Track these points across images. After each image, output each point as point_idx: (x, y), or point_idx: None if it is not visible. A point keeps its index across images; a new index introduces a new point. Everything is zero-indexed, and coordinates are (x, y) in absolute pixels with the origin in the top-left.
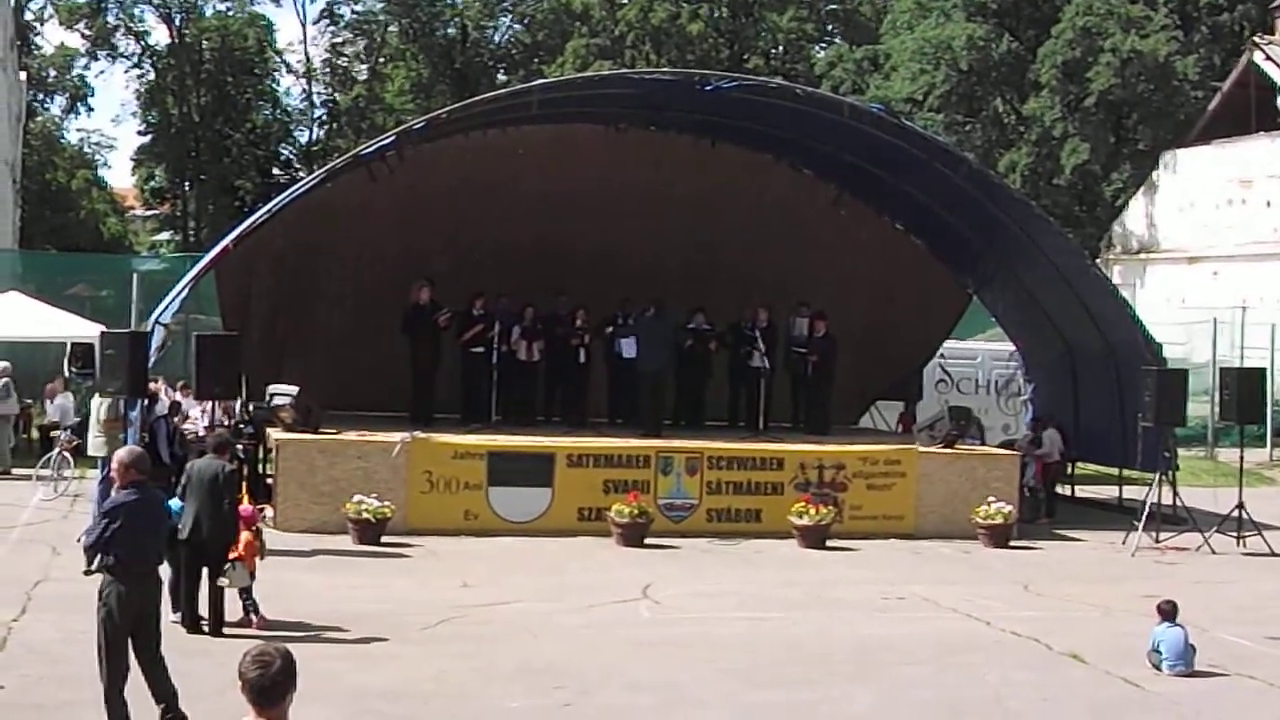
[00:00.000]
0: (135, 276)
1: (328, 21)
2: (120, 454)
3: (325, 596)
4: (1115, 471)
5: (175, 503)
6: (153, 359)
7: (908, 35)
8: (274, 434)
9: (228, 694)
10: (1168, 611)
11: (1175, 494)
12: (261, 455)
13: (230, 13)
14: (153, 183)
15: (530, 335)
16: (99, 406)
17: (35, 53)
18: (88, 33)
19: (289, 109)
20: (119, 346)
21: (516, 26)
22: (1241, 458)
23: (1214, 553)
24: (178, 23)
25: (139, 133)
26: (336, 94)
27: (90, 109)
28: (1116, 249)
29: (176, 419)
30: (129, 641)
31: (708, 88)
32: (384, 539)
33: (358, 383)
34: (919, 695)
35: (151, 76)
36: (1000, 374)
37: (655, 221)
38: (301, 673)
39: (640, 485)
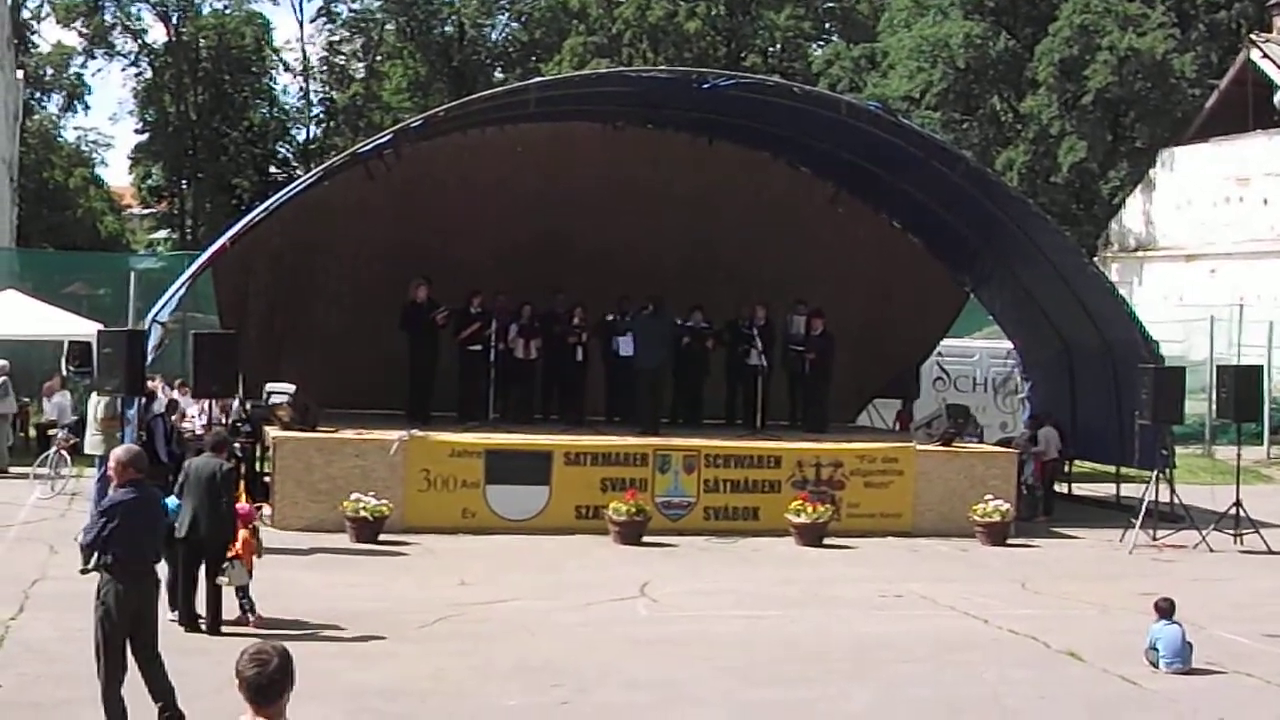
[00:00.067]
0: (133, 275)
1: (325, 19)
2: (117, 452)
3: (323, 595)
4: (1113, 469)
5: (172, 501)
6: (150, 357)
7: (905, 33)
8: (271, 432)
9: (225, 692)
10: (1165, 609)
11: (1173, 492)
12: (259, 453)
13: (227, 11)
14: (150, 181)
15: (528, 333)
16: (96, 405)
17: (32, 51)
18: (85, 31)
19: (286, 107)
20: (116, 345)
21: (514, 24)
22: (1239, 455)
23: (1211, 550)
24: (175, 21)
25: (136, 131)
26: (334, 92)
27: (87, 107)
28: (1114, 247)
29: (174, 417)
30: (127, 640)
31: (705, 86)
32: (381, 537)
33: (355, 381)
34: (917, 693)
35: (149, 75)
36: (998, 372)
37: (653, 219)
38: (299, 671)
39: (638, 483)
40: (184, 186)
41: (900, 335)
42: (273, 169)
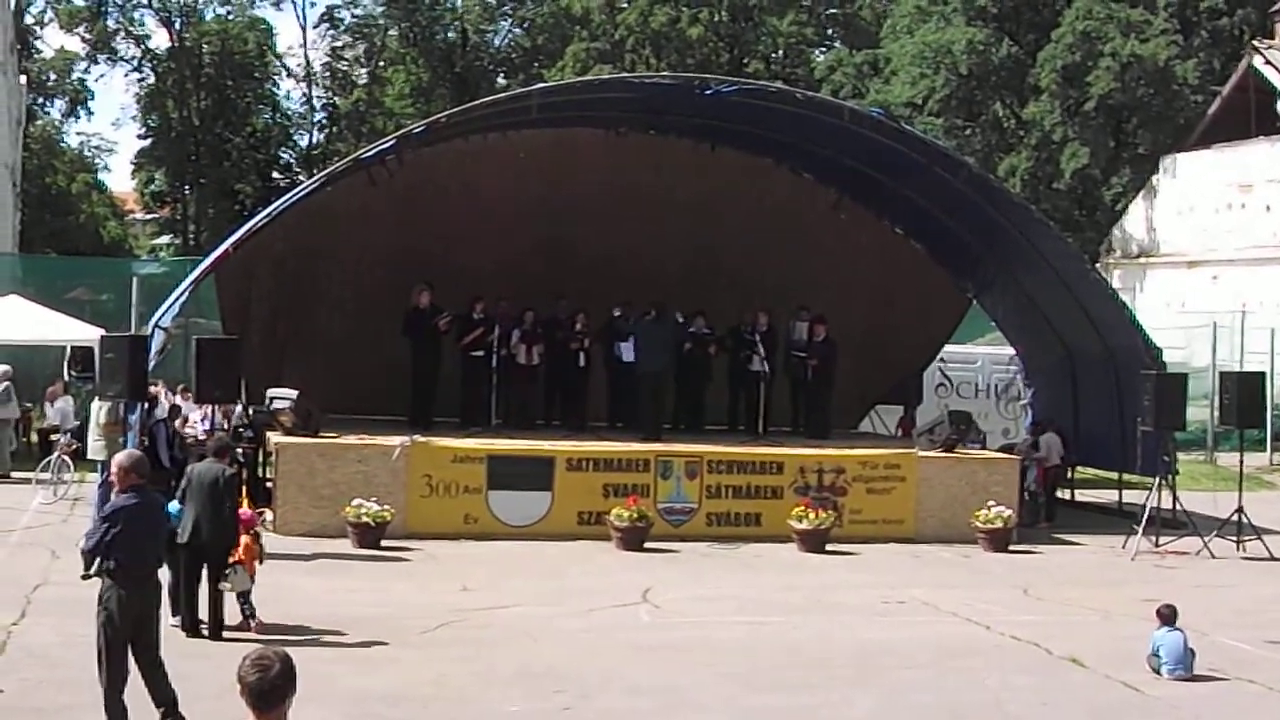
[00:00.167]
0: (135, 280)
1: (328, 25)
2: (119, 458)
3: (324, 600)
4: (1115, 476)
5: (174, 506)
6: (152, 362)
7: (908, 39)
8: (274, 437)
9: (227, 698)
10: (1167, 616)
11: (1175, 498)
12: (261, 459)
13: (230, 16)
14: (152, 186)
15: (530, 339)
16: (99, 410)
17: (35, 56)
18: (88, 36)
19: (289, 113)
20: (119, 350)
21: (516, 30)
22: (1241, 462)
23: (1214, 557)
24: (178, 26)
25: (139, 136)
26: (336, 98)
27: (90, 113)
28: (1116, 253)
29: (176, 422)
30: (129, 645)
31: (708, 92)
32: (383, 543)
33: (357, 386)
34: (919, 699)
35: (151, 80)
36: (1000, 378)
37: (655, 225)
38: (301, 676)
39: (640, 489)
40: (186, 192)
41: (902, 341)
42: (275, 175)
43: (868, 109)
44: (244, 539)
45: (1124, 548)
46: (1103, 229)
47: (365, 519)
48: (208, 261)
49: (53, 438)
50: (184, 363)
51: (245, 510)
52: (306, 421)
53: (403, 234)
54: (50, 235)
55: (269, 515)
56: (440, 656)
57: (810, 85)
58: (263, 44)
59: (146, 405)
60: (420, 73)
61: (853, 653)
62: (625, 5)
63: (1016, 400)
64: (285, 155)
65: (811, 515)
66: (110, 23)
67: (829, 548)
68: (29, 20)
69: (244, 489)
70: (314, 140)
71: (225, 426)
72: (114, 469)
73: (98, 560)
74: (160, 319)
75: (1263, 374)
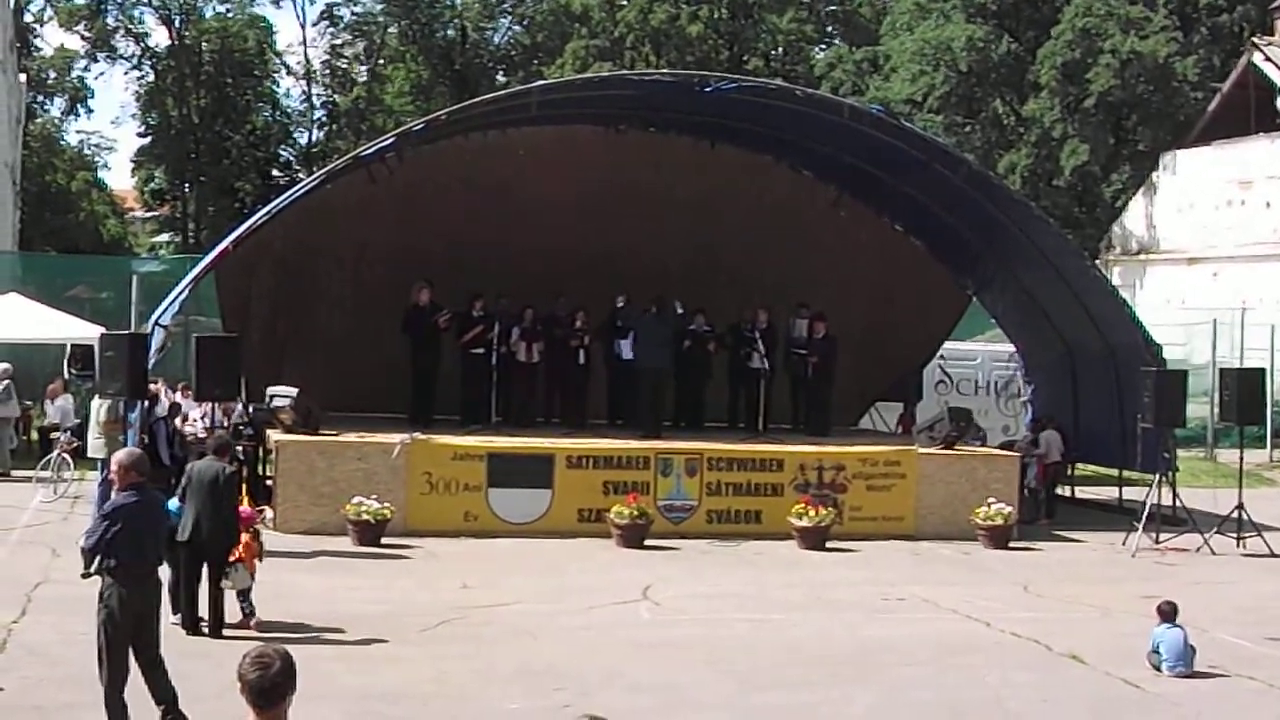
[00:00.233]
0: (135, 278)
1: (327, 23)
2: (119, 456)
3: (325, 598)
4: (1115, 472)
5: (173, 503)
6: (152, 360)
7: (907, 36)
8: (274, 435)
9: (227, 696)
10: (1168, 612)
11: (1175, 495)
12: (261, 457)
13: (230, 14)
14: (152, 184)
15: (530, 337)
16: (99, 408)
17: (35, 54)
18: (87, 34)
19: (289, 111)
20: (119, 348)
21: (516, 28)
22: (1241, 459)
23: (1214, 554)
24: (177, 24)
25: (139, 134)
26: (336, 95)
27: (90, 111)
28: (1116, 250)
29: (177, 420)
30: (129, 643)
31: (707, 89)
32: (384, 540)
33: (357, 384)
34: (919, 696)
35: (151, 78)
36: (1000, 375)
37: (655, 223)
38: (301, 674)
39: (640, 486)
40: (186, 190)
41: (902, 338)
42: (275, 172)
43: (867, 106)
44: (244, 537)
45: (1124, 544)
46: (1103, 226)
47: (365, 516)
48: (207, 259)
49: (53, 436)
50: (184, 360)
51: (245, 508)
52: (306, 419)
53: (403, 231)
54: (50, 233)
55: (269, 513)
56: (440, 654)
57: (810, 82)
58: (262, 42)
59: (147, 403)
60: (420, 70)
61: (853, 650)
62: (625, 3)
63: (1016, 397)
64: (285, 153)
65: (812, 512)
66: (110, 20)
67: (829, 545)
68: (28, 18)
69: (244, 487)
70: (314, 138)
71: (225, 424)
72: (113, 467)
73: (98, 558)
74: (160, 317)
75: (1263, 370)
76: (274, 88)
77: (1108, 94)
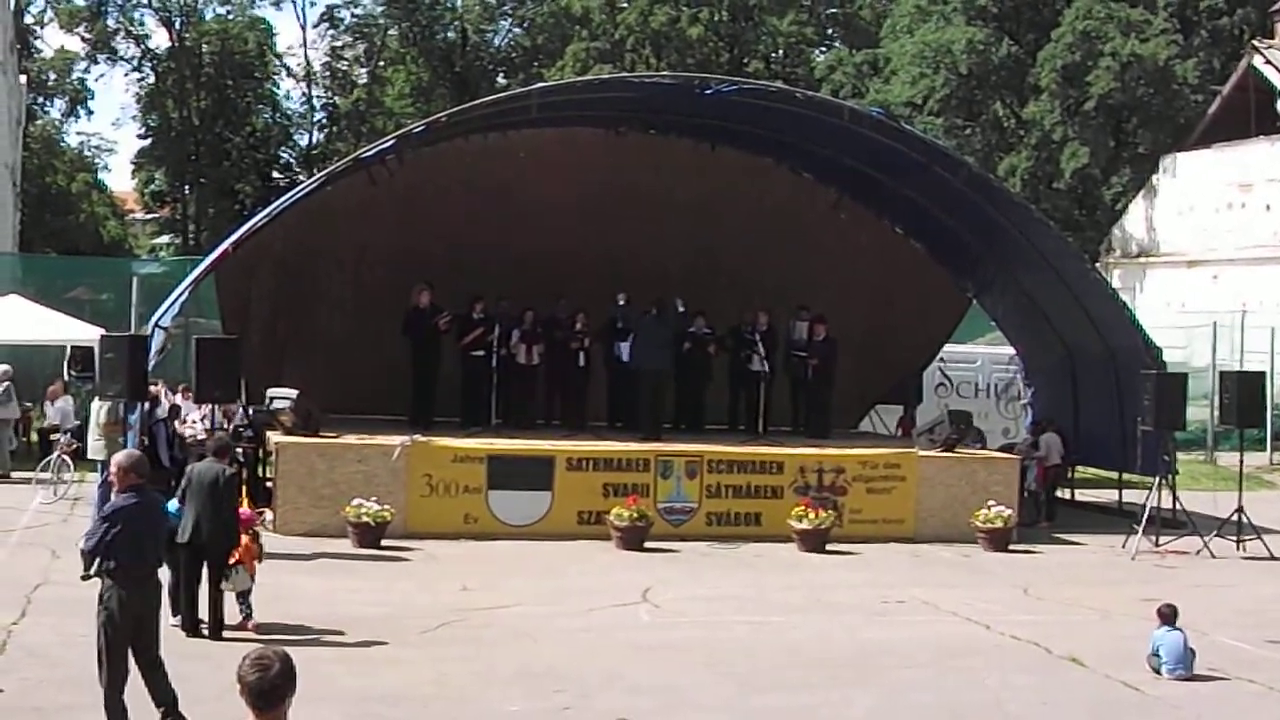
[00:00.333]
0: (135, 280)
1: (328, 25)
2: (119, 458)
3: (325, 600)
4: (1115, 475)
5: (173, 505)
6: (152, 362)
7: (907, 39)
8: (274, 437)
9: (227, 697)
10: (1167, 615)
11: (1175, 498)
12: (261, 459)
13: (230, 16)
14: (152, 186)
15: (530, 339)
16: (99, 410)
17: (35, 56)
18: (88, 36)
19: (289, 112)
20: (119, 350)
21: (516, 30)
22: (1241, 461)
23: (1214, 556)
24: (178, 26)
25: (139, 136)
26: (336, 97)
27: (90, 112)
28: (1116, 253)
29: (177, 423)
30: (129, 645)
31: (708, 91)
32: (384, 542)
33: (358, 386)
34: (919, 699)
35: (151, 80)
36: (1000, 378)
37: (655, 225)
38: (301, 676)
39: (640, 489)
40: (186, 192)
41: (902, 341)
42: (275, 174)
43: (868, 109)
44: (244, 539)
45: (1124, 547)
46: (1103, 228)
47: (365, 519)
48: (208, 261)
49: (53, 437)
50: (184, 362)
51: (245, 510)
52: (306, 421)
53: (403, 233)
54: (50, 235)
55: (269, 515)
56: (440, 656)
57: (810, 85)
58: (263, 44)
59: (147, 405)
60: (420, 72)
61: (853, 652)
62: (625, 5)
63: (1016, 400)
64: (285, 155)
65: (811, 515)
66: (110, 22)
67: (829, 547)
68: (29, 20)
69: (244, 489)
70: (314, 140)
71: (225, 426)
72: (113, 469)
73: (98, 560)
74: (160, 319)
75: (1262, 373)
76: (274, 90)
77: (1108, 97)
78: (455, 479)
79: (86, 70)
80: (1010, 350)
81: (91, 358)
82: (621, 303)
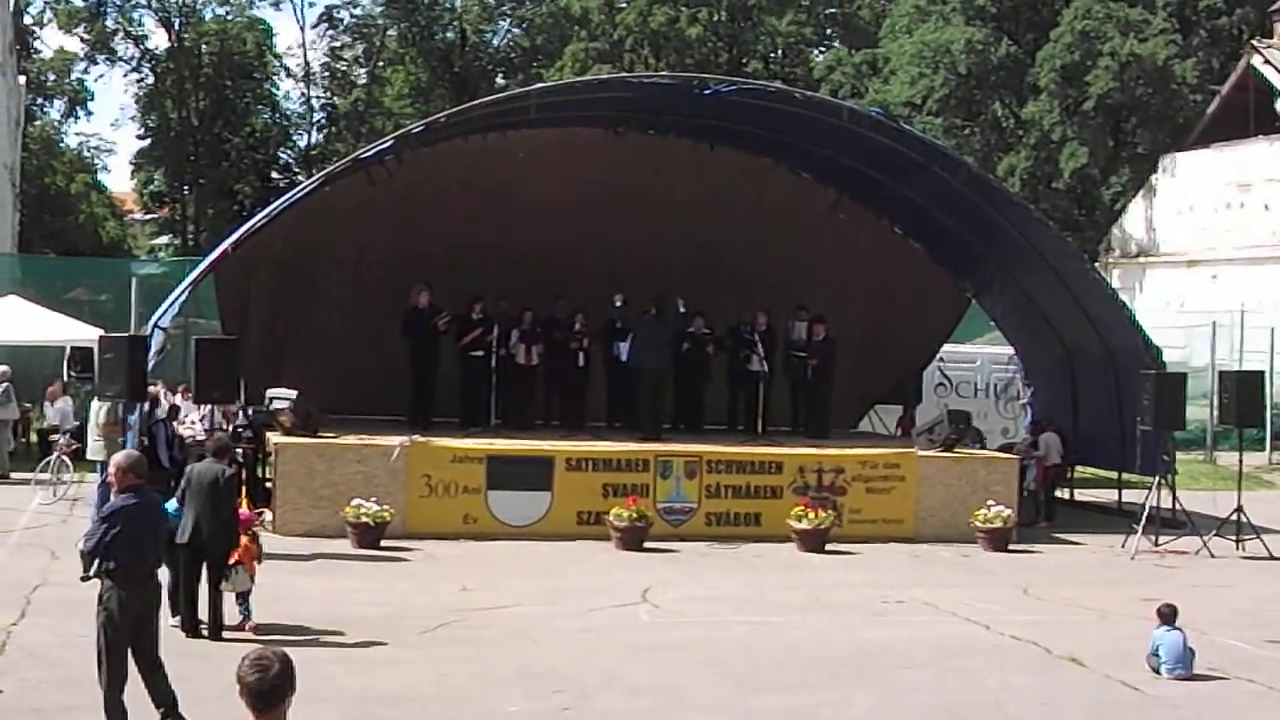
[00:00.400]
0: (134, 280)
1: (327, 25)
2: (117, 458)
3: (324, 600)
4: (1114, 475)
5: (172, 505)
6: (152, 363)
7: (906, 39)
8: (273, 438)
9: (226, 698)
10: (1167, 615)
11: (1174, 498)
12: (260, 459)
13: (229, 17)
14: (152, 187)
15: (529, 339)
16: (98, 410)
17: (34, 57)
18: (87, 36)
19: (288, 113)
20: (118, 350)
21: (515, 30)
22: (1240, 461)
23: (1213, 556)
24: (177, 27)
25: (138, 137)
26: (335, 98)
27: (89, 113)
28: (1115, 253)
29: (176, 423)
30: (129, 646)
31: (707, 91)
32: (383, 543)
33: (357, 386)
34: (918, 699)
35: (150, 80)
36: (999, 378)
37: (654, 225)
38: (300, 676)
39: (639, 489)
40: (185, 192)
41: (902, 341)
42: (274, 175)
43: (867, 109)
44: (243, 539)
45: (1123, 547)
46: (1102, 228)
47: (364, 519)
48: (207, 261)
49: (52, 438)
50: (183, 363)
51: (244, 511)
52: (306, 422)
53: (402, 234)
54: (49, 235)
55: (268, 515)
56: (440, 656)
57: (809, 85)
58: (262, 44)
59: (146, 405)
60: (419, 73)
61: (852, 652)
62: (624, 5)
63: (1016, 400)
64: (284, 155)
65: (811, 515)
66: (109, 23)
67: (828, 547)
68: (28, 20)
69: (243, 489)
70: (313, 140)
71: (224, 427)
72: (112, 469)
73: (97, 561)
74: (159, 319)
75: (1262, 373)
76: (273, 90)
77: (1107, 96)
78: (454, 479)
79: (85, 71)
80: (1009, 350)
81: (91, 358)
82: (618, 304)
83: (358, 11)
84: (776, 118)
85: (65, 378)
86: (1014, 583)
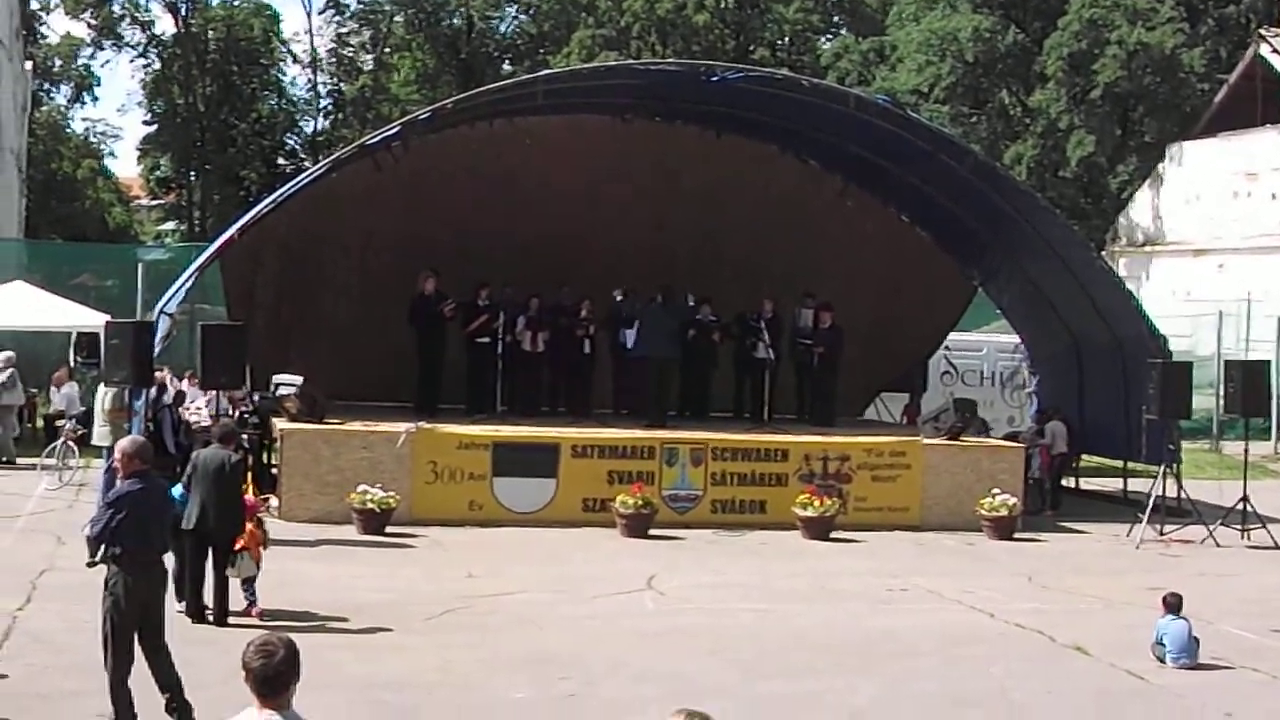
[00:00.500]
0: (140, 266)
1: (333, 11)
2: (123, 444)
3: (330, 586)
4: (1120, 464)
5: (178, 490)
6: (158, 348)
7: (914, 27)
8: (279, 424)
9: (232, 683)
10: (1172, 604)
11: (1180, 487)
12: (266, 445)
13: (236, 2)
14: (158, 172)
15: (535, 326)
16: (104, 396)
17: (41, 42)
18: (93, 22)
19: (294, 99)
20: (124, 336)
21: (522, 17)
22: (1246, 450)
23: (1218, 545)
24: (183, 12)
25: (144, 122)
26: (342, 84)
27: (95, 98)
28: (1122, 241)
29: (182, 409)
30: (134, 631)
31: (714, 79)
32: (389, 529)
33: (363, 373)
34: (923, 687)
35: (157, 66)
36: (1005, 366)
37: (661, 212)
38: (305, 662)
39: (645, 476)
40: (192, 178)
41: (908, 329)
42: (281, 160)
43: (874, 96)
44: (249, 525)
45: (1129, 536)
46: (1109, 217)
47: (370, 505)
48: (213, 247)
49: (58, 423)
50: (189, 348)
51: (250, 497)
52: (312, 408)
53: (408, 220)
54: (56, 221)
55: (274, 501)
56: (445, 643)
57: (816, 72)
58: (268, 30)
59: (153, 391)
60: (426, 59)
61: (857, 640)
62: None
63: (1022, 388)
64: (290, 141)
65: (816, 502)
66: (116, 8)
67: (834, 535)
68: (34, 5)
69: (249, 475)
70: (319, 126)
71: (231, 412)
72: (117, 455)
73: (103, 546)
74: (166, 305)
75: (1268, 362)
76: (280, 76)
77: (1114, 85)
78: (460, 466)
79: (92, 56)
80: (1016, 338)
81: (97, 344)
82: (619, 298)
83: None
84: (784, 105)
85: (71, 363)
86: (1019, 571)
